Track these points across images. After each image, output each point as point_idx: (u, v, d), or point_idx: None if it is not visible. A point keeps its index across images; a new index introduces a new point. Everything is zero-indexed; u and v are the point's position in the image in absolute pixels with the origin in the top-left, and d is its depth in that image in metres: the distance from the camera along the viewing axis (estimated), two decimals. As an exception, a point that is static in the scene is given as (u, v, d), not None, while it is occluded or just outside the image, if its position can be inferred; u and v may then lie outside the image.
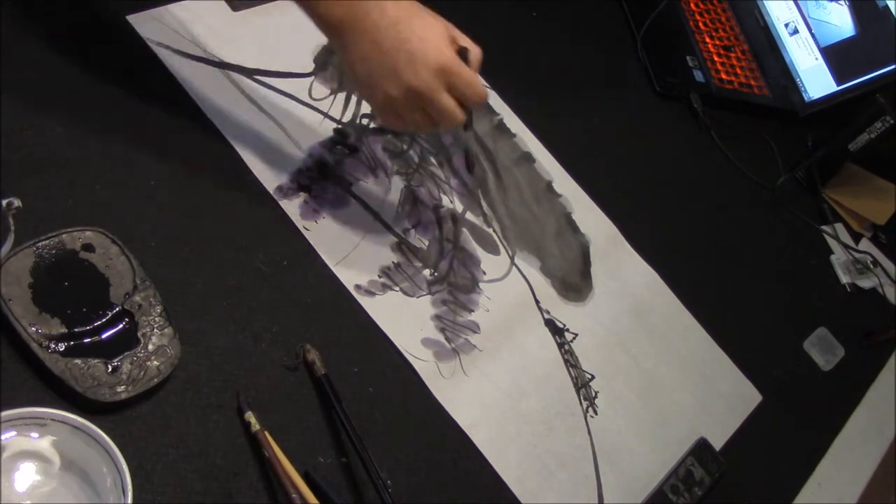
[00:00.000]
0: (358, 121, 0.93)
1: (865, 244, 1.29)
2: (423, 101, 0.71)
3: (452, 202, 0.93)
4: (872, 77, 1.30)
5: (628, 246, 1.03)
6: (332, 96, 0.92)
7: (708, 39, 1.31)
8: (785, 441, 1.00)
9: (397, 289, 0.84)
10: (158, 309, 0.69)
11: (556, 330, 0.91)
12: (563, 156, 1.04)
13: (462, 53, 0.72)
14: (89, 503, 0.60)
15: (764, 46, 1.34)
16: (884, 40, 1.30)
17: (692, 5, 1.34)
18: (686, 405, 0.95)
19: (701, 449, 0.91)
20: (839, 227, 1.28)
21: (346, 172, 0.88)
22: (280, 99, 0.89)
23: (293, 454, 0.68)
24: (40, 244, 0.67)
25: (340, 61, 0.73)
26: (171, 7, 0.88)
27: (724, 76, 1.28)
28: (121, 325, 0.67)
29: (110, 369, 0.65)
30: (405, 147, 0.94)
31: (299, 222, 0.82)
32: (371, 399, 0.76)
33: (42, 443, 0.60)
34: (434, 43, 0.70)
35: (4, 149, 0.70)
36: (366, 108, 0.94)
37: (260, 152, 0.84)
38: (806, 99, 1.32)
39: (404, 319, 0.82)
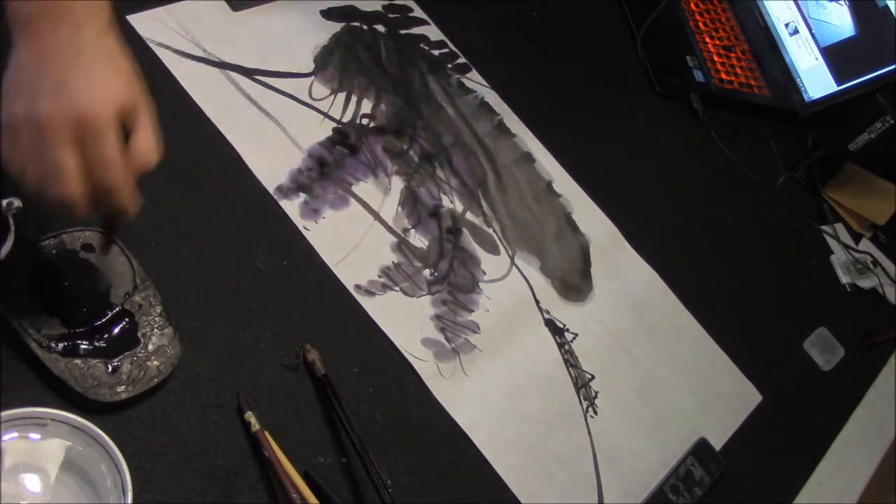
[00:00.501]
0: (358, 121, 0.93)
1: (865, 244, 1.29)
2: (41, 146, 0.56)
3: (452, 202, 0.93)
4: (872, 77, 1.30)
5: (628, 246, 1.03)
6: (332, 96, 0.92)
7: (708, 39, 1.31)
8: (785, 441, 1.00)
9: (397, 289, 0.84)
10: (158, 309, 0.69)
11: (556, 330, 0.91)
12: (563, 156, 1.04)
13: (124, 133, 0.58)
14: (89, 503, 0.60)
15: (764, 46, 1.34)
16: (884, 40, 1.30)
17: (692, 5, 1.34)
18: (686, 405, 0.95)
19: (701, 449, 0.91)
20: (839, 227, 1.28)
21: (346, 172, 0.88)
22: (280, 99, 0.89)
23: (293, 454, 0.68)
24: (40, 244, 0.67)
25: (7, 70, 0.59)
26: (171, 7, 0.88)
27: (724, 76, 1.28)
28: (121, 325, 0.67)
29: (110, 369, 0.65)
30: (405, 147, 0.94)
31: (299, 222, 0.82)
32: (371, 399, 0.76)
33: (42, 443, 0.60)
34: (98, 93, 0.57)
35: (4, 149, 0.70)
36: (366, 108, 0.94)
37: (260, 152, 0.84)
38: (806, 99, 1.32)
39: (404, 319, 0.82)
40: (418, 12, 1.07)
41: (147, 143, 0.60)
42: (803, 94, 1.32)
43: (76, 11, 0.57)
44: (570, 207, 1.01)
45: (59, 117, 0.56)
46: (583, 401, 0.88)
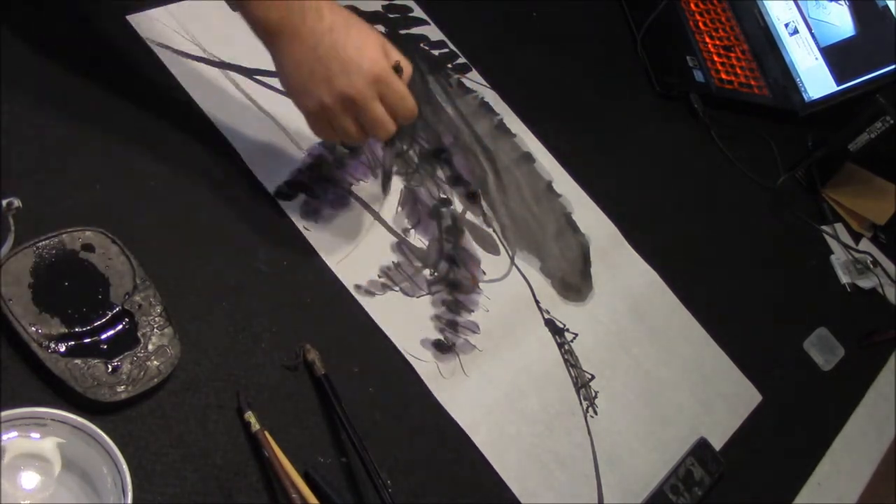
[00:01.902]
0: (358, 121, 0.93)
1: (865, 244, 1.29)
2: (356, 110, 0.72)
3: (452, 202, 0.93)
4: (872, 77, 1.30)
5: (628, 246, 1.03)
6: (332, 96, 0.92)
7: (708, 39, 1.31)
8: (785, 441, 1.00)
9: (397, 289, 0.84)
10: (158, 309, 0.69)
11: (556, 330, 0.91)
12: (563, 156, 1.05)
13: (395, 68, 0.72)
14: (89, 503, 0.60)
15: (764, 46, 1.34)
16: (884, 40, 1.30)
17: (692, 5, 1.34)
18: (686, 405, 0.95)
19: (701, 449, 0.91)
20: (839, 227, 1.28)
21: (346, 172, 0.88)
22: (280, 99, 0.89)
23: (293, 454, 0.68)
24: (40, 244, 0.67)
25: (275, 67, 0.73)
26: (171, 7, 0.88)
27: (724, 76, 1.28)
28: (121, 325, 0.67)
29: (110, 369, 0.65)
30: (405, 147, 0.94)
31: (299, 222, 0.82)
32: (371, 399, 0.76)
33: (42, 443, 0.60)
34: (369, 53, 0.70)
35: (4, 149, 0.70)
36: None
37: (260, 152, 0.84)
38: (806, 99, 1.32)
39: (404, 319, 0.82)
40: (418, 12, 1.07)
41: (401, 98, 0.73)
42: (803, 94, 1.32)
43: (308, 3, 0.68)
44: (570, 207, 1.01)
45: (360, 86, 0.70)
46: (583, 401, 0.88)
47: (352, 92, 0.70)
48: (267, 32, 0.70)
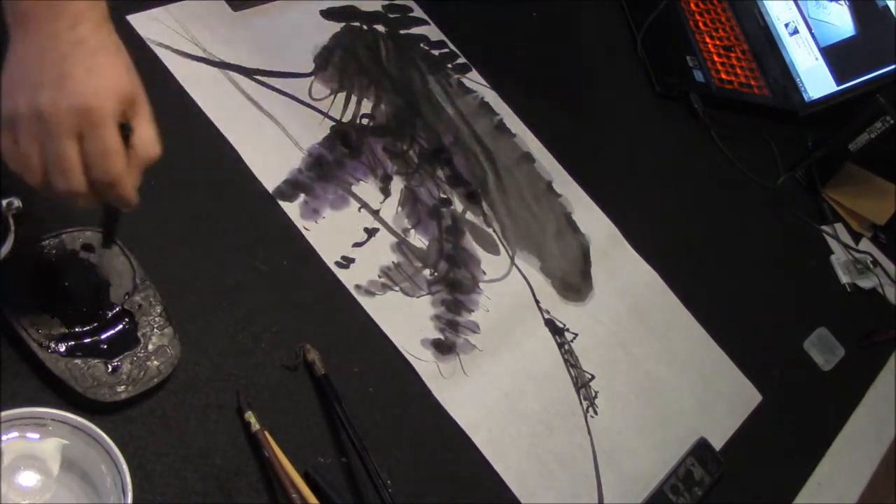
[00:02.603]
0: (358, 121, 0.93)
1: (865, 244, 1.29)
2: (45, 136, 0.56)
3: (452, 202, 0.93)
4: (872, 77, 1.30)
5: (628, 246, 1.03)
6: (332, 96, 0.92)
7: (708, 39, 1.31)
8: (785, 441, 1.00)
9: (397, 289, 0.84)
10: (158, 309, 0.69)
11: (556, 330, 0.91)
12: (563, 156, 1.04)
13: (123, 125, 0.58)
14: (89, 503, 0.60)
15: (764, 46, 1.34)
16: (884, 40, 1.30)
17: (692, 5, 1.34)
18: (686, 405, 0.95)
19: (701, 449, 0.91)
20: (839, 227, 1.28)
21: (346, 172, 0.88)
22: (280, 99, 0.89)
23: (293, 454, 0.68)
24: (40, 244, 0.67)
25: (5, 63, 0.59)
26: (171, 7, 0.88)
27: (724, 76, 1.28)
28: (121, 325, 0.67)
29: (110, 369, 0.65)
30: (405, 147, 0.94)
31: (299, 222, 0.82)
32: (371, 399, 0.76)
33: (42, 443, 0.60)
34: (97, 83, 0.57)
35: (4, 149, 0.70)
36: (366, 108, 0.94)
37: (260, 152, 0.84)
38: (806, 99, 1.32)
39: (404, 319, 0.82)
40: (418, 12, 1.07)
41: (148, 136, 0.60)
42: (803, 94, 1.32)
43: (73, 5, 0.57)
44: (570, 207, 1.01)
45: (60, 109, 0.56)
46: (583, 401, 0.88)
47: (50, 111, 0.56)
48: (13, 14, 0.58)
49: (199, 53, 0.87)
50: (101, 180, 0.58)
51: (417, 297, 0.85)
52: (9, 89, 0.57)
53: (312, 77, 0.92)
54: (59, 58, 0.57)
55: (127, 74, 0.59)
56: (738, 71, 1.30)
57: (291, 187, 0.84)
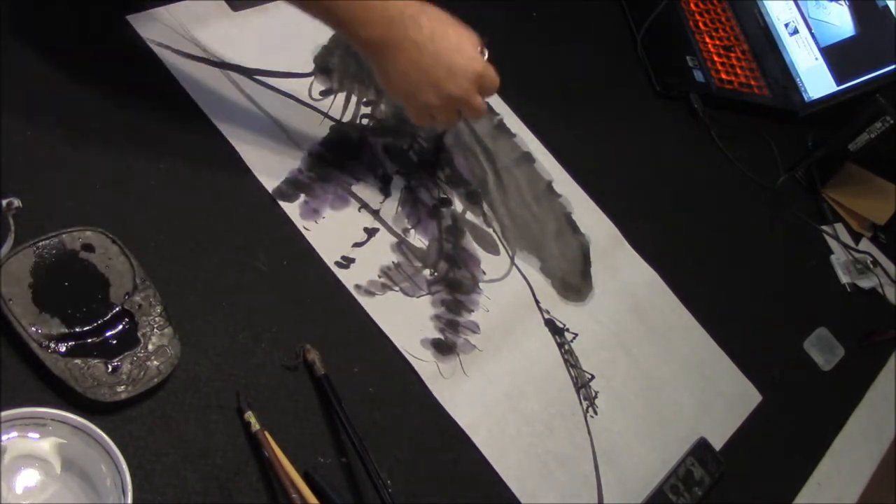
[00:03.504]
0: (358, 121, 0.93)
1: (865, 244, 1.29)
2: (460, 104, 0.79)
3: (452, 202, 0.93)
4: (872, 77, 1.30)
5: (628, 246, 1.03)
6: (332, 96, 0.92)
7: (708, 39, 1.31)
8: (785, 441, 1.00)
9: (397, 289, 0.84)
10: (158, 309, 0.69)
11: (556, 330, 0.91)
12: (563, 156, 1.04)
13: (481, 52, 0.79)
14: (89, 503, 0.60)
15: (764, 46, 1.34)
16: (884, 40, 1.30)
17: (692, 5, 1.34)
18: (686, 405, 0.95)
19: (701, 449, 0.91)
20: (839, 227, 1.28)
21: (346, 172, 0.88)
22: (280, 99, 0.89)
23: (293, 454, 0.68)
24: (40, 244, 0.67)
25: (378, 77, 0.79)
26: (171, 7, 0.88)
27: (724, 76, 1.28)
28: (121, 325, 0.67)
29: (110, 369, 0.65)
30: (405, 147, 0.94)
31: (299, 222, 0.82)
32: (371, 399, 0.76)
33: (42, 443, 0.60)
34: (468, 52, 0.76)
35: (4, 149, 0.70)
36: (366, 108, 0.94)
37: (260, 152, 0.84)
38: (806, 99, 1.32)
39: (404, 319, 0.82)
40: (418, 12, 1.06)
41: (493, 82, 0.80)
42: (803, 94, 1.32)
43: (408, 15, 0.73)
44: (570, 207, 1.01)
45: (466, 86, 0.77)
46: (583, 401, 0.88)
47: (459, 92, 0.77)
48: (369, 48, 0.75)
49: (199, 53, 0.87)
50: (493, 92, 0.81)
51: (417, 297, 0.85)
52: (412, 95, 0.77)
53: (312, 77, 0.92)
54: (433, 57, 0.74)
55: (465, 29, 0.77)
56: (738, 71, 1.30)
57: (291, 187, 0.84)
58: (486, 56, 0.79)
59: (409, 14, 0.73)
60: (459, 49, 0.76)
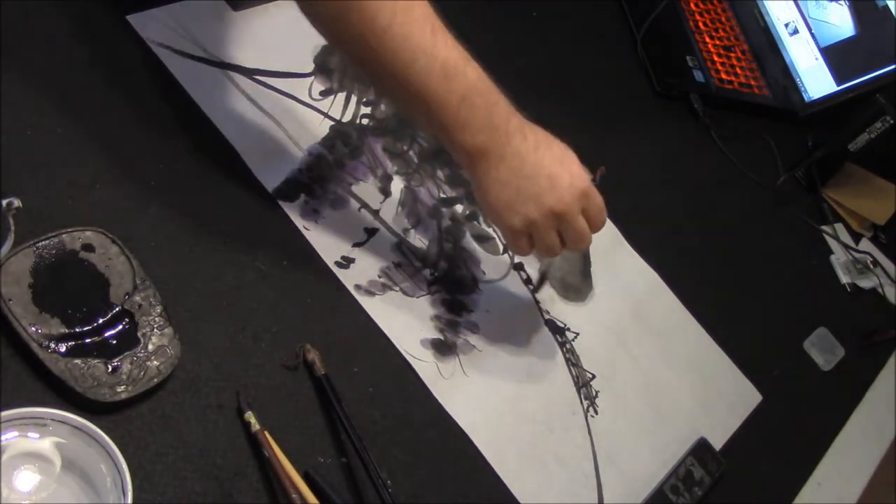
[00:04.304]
0: (358, 121, 0.93)
1: (865, 244, 1.29)
2: (561, 224, 0.73)
3: (452, 202, 0.93)
4: (872, 77, 1.30)
5: (628, 246, 1.03)
6: (332, 96, 0.92)
7: (708, 39, 1.31)
8: (785, 441, 1.00)
9: (397, 289, 0.84)
10: (158, 309, 0.69)
11: (557, 329, 0.91)
12: (563, 156, 1.04)
13: (593, 180, 0.75)
14: (89, 503, 0.60)
15: (764, 46, 1.34)
16: (884, 40, 1.30)
17: (692, 5, 1.34)
18: (686, 405, 0.95)
19: (701, 449, 0.91)
20: (839, 227, 1.28)
21: (346, 172, 0.88)
22: (280, 99, 0.89)
23: (293, 454, 0.68)
24: (40, 244, 0.67)
25: (474, 188, 0.75)
26: (171, 7, 0.87)
27: (724, 76, 1.28)
28: (121, 325, 0.67)
29: (110, 369, 0.65)
30: (405, 147, 0.94)
31: (299, 222, 0.82)
32: (371, 399, 0.76)
33: (42, 443, 0.60)
34: (573, 167, 0.73)
35: (4, 149, 0.70)
36: (366, 108, 0.94)
37: (260, 152, 0.84)
38: (806, 99, 1.32)
39: (404, 319, 0.82)
40: (418, 12, 1.06)
41: (601, 211, 0.75)
42: (803, 94, 1.32)
43: (510, 123, 0.71)
44: (570, 207, 1.01)
45: (570, 201, 0.72)
46: (583, 400, 0.88)
47: (561, 207, 0.72)
48: (471, 156, 0.71)
49: (199, 53, 0.86)
50: (600, 227, 0.76)
51: (417, 297, 0.85)
52: (510, 208, 0.72)
53: (312, 77, 0.92)
54: (536, 167, 0.71)
55: (569, 148, 0.75)
56: (738, 71, 1.30)
57: (291, 187, 0.84)
58: (596, 181, 0.75)
59: (514, 123, 0.71)
60: (563, 162, 0.73)
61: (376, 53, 0.67)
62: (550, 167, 0.72)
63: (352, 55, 0.71)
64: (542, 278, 0.88)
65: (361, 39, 0.67)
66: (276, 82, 0.90)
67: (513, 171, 0.71)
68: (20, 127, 0.73)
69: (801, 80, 1.32)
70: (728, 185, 1.21)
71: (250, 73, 0.89)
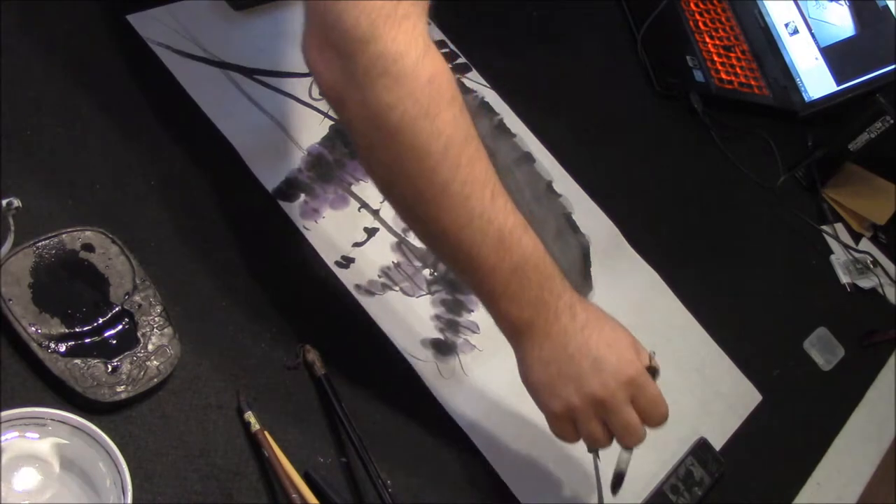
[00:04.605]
0: (358, 121, 0.92)
1: (865, 244, 1.29)
2: (605, 412, 0.67)
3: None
4: (872, 77, 1.30)
5: (628, 246, 1.03)
6: (332, 96, 0.92)
7: (708, 39, 1.31)
8: (785, 441, 1.00)
9: (397, 289, 0.84)
10: (158, 309, 0.69)
11: (556, 330, 0.91)
12: (563, 156, 1.04)
13: (650, 369, 0.69)
14: (89, 503, 0.60)
15: (764, 46, 1.34)
16: (884, 40, 1.30)
17: (692, 5, 1.34)
18: (686, 405, 0.95)
19: (701, 449, 0.91)
20: (839, 227, 1.28)
21: (346, 172, 0.88)
22: (280, 99, 0.89)
23: (293, 454, 0.68)
24: (40, 244, 0.67)
25: (518, 365, 0.70)
26: (171, 7, 0.88)
27: (724, 76, 1.28)
28: (121, 325, 0.67)
29: (110, 369, 0.65)
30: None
31: (299, 222, 0.82)
32: (371, 399, 0.76)
33: (42, 443, 0.60)
34: (622, 352, 0.68)
35: (4, 149, 0.70)
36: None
37: (260, 152, 0.84)
38: (806, 99, 1.32)
39: (404, 319, 0.82)
40: (418, 12, 1.06)
41: (655, 404, 0.69)
42: (803, 94, 1.32)
43: (560, 299, 0.66)
44: (570, 207, 1.01)
45: (612, 388, 0.66)
46: (583, 401, 0.88)
47: (604, 393, 0.66)
48: (515, 329, 0.67)
49: (199, 53, 0.87)
50: (659, 422, 0.69)
51: (417, 297, 0.85)
52: (550, 389, 0.67)
53: (312, 77, 0.92)
54: (581, 347, 0.66)
55: (625, 331, 0.70)
56: (738, 71, 1.30)
57: (291, 187, 0.84)
58: (656, 369, 0.70)
59: (565, 301, 0.67)
60: (611, 345, 0.67)
61: (430, 208, 0.62)
62: (598, 349, 0.66)
63: (403, 206, 0.66)
64: (618, 479, 0.74)
65: (416, 191, 0.62)
66: (276, 82, 0.90)
67: (557, 350, 0.66)
68: (20, 127, 0.73)
69: (801, 80, 1.32)
70: (728, 185, 1.21)
71: (250, 73, 0.89)
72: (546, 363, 0.67)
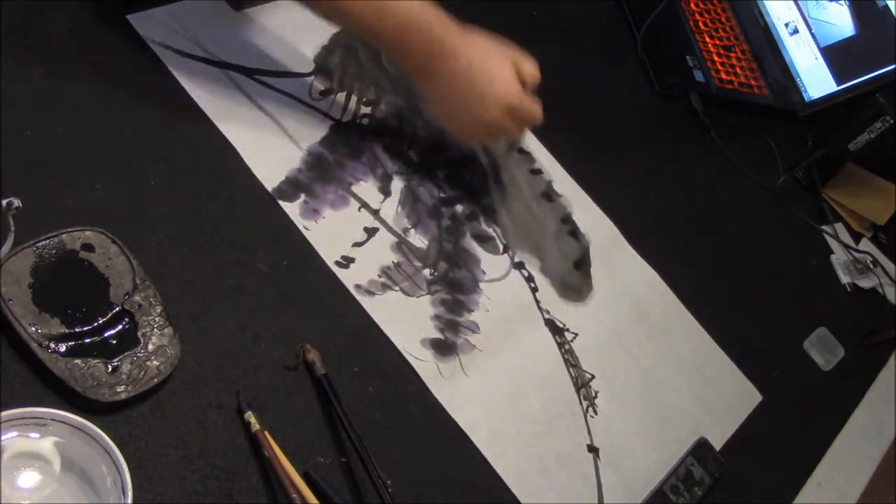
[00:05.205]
0: (358, 121, 0.93)
1: (865, 244, 1.29)
2: (494, 130, 0.86)
3: (452, 202, 0.93)
4: (872, 77, 1.30)
5: (628, 246, 1.03)
6: (332, 96, 0.92)
7: (708, 39, 1.31)
8: (785, 441, 1.00)
9: (397, 289, 0.84)
10: (158, 309, 0.69)
11: (556, 330, 0.91)
12: (563, 156, 1.04)
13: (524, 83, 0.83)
14: (89, 503, 0.60)
15: (764, 46, 1.34)
16: (884, 40, 1.30)
17: (692, 5, 1.34)
18: (686, 405, 0.95)
19: (701, 449, 0.91)
20: (839, 227, 1.28)
21: (346, 172, 0.88)
22: (280, 99, 0.89)
23: (293, 454, 0.68)
24: (40, 244, 0.67)
25: (426, 103, 0.88)
26: (171, 7, 0.87)
27: (724, 76, 1.28)
28: (121, 325, 0.67)
29: (110, 369, 0.65)
30: (405, 147, 0.94)
31: (299, 222, 0.82)
32: (371, 399, 0.76)
33: (42, 443, 0.60)
34: (501, 83, 0.82)
35: (4, 149, 0.70)
36: (366, 108, 0.94)
37: (260, 152, 0.84)
38: (806, 99, 1.32)
39: (404, 319, 0.82)
40: (418, 12, 1.06)
41: (533, 117, 0.86)
42: (803, 94, 1.32)
43: (443, 37, 0.79)
44: (570, 207, 1.01)
45: (495, 114, 0.83)
46: (583, 400, 0.88)
47: (490, 119, 0.83)
48: (413, 75, 0.84)
49: (199, 53, 0.86)
50: (534, 123, 0.88)
51: (417, 297, 0.85)
52: (449, 119, 0.87)
53: (312, 77, 0.92)
54: (466, 86, 0.81)
55: (506, 61, 0.83)
56: (738, 71, 1.30)
57: (291, 187, 0.84)
58: (527, 87, 0.84)
59: (448, 45, 0.79)
60: (493, 80, 0.81)
61: None
62: (481, 85, 0.81)
63: None
64: (494, 171, 0.96)
65: None
66: (276, 82, 0.90)
67: (447, 89, 0.82)
68: (20, 127, 0.73)
69: (801, 80, 1.32)
70: (728, 185, 1.21)
71: (250, 72, 0.89)
72: (442, 99, 0.84)
